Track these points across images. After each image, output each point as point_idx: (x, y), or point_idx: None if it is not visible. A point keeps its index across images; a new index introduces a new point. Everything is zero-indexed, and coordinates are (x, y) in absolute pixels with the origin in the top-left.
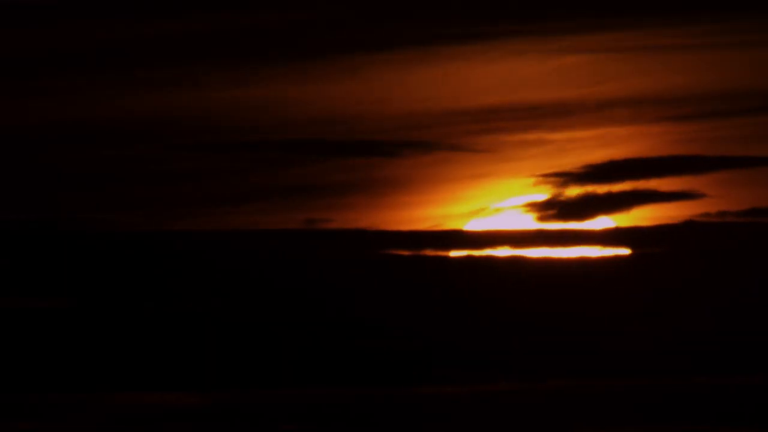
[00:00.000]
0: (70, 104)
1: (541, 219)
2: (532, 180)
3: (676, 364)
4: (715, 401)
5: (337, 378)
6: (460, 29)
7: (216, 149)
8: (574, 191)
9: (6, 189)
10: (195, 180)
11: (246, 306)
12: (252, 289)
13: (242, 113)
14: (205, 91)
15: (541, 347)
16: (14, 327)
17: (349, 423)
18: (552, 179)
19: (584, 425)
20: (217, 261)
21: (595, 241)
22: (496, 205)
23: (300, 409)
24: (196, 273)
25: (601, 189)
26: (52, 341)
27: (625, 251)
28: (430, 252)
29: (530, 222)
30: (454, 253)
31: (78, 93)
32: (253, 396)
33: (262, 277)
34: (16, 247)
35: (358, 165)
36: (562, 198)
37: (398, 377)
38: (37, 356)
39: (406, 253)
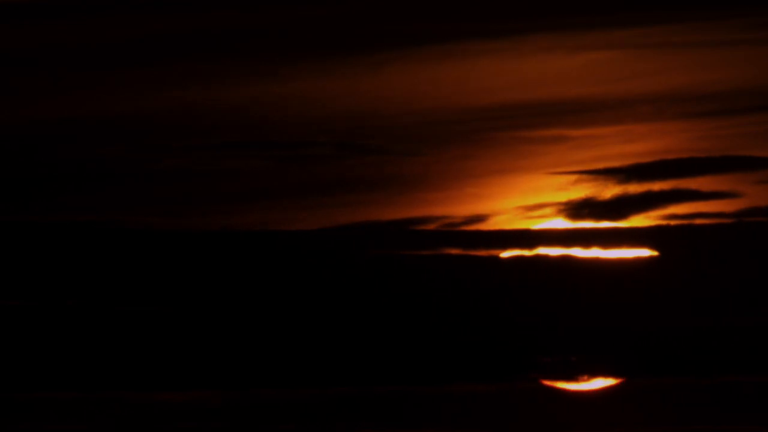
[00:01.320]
0: (91, 100)
1: (581, 217)
2: (568, 177)
3: (714, 363)
4: (745, 401)
5: (348, 376)
6: (487, 25)
7: (236, 147)
8: (613, 189)
9: (21, 188)
10: (221, 178)
11: (288, 305)
12: (295, 289)
13: (261, 111)
14: (225, 88)
15: (581, 347)
16: (17, 326)
17: (351, 422)
18: (588, 177)
19: (609, 425)
20: (255, 260)
21: (641, 240)
22: (527, 202)
23: (302, 409)
24: (220, 272)
25: (640, 187)
26: (54, 340)
27: (672, 250)
28: (482, 252)
29: (567, 220)
30: (505, 254)
31: (96, 89)
32: (253, 396)
33: (308, 277)
34: (32, 247)
35: (378, 162)
36: (601, 196)
37: (428, 375)
38: (39, 356)
39: (456, 251)
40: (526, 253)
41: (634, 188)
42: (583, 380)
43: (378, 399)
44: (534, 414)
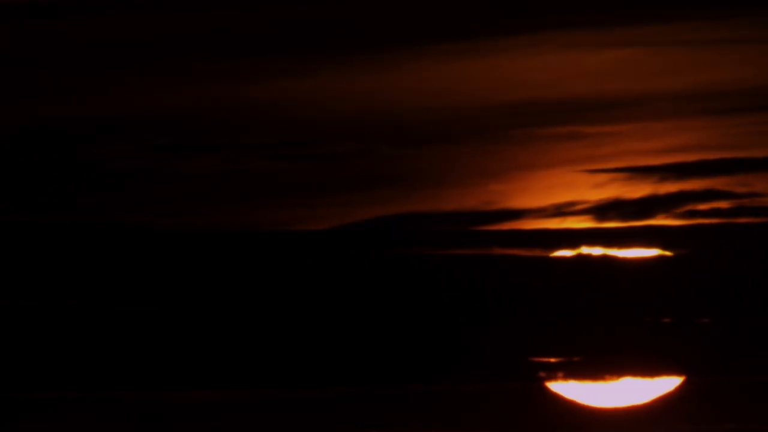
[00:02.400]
0: (96, 100)
1: (613, 216)
2: (599, 175)
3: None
4: None
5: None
6: (505, 22)
7: (256, 147)
8: (645, 188)
9: (42, 188)
10: (239, 178)
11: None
12: (311, 289)
13: (279, 110)
14: (241, 87)
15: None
16: (17, 326)
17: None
18: (618, 175)
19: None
20: (272, 260)
21: (683, 239)
22: (555, 200)
23: (304, 409)
24: (229, 272)
25: (672, 186)
26: (54, 340)
27: (714, 248)
28: (530, 251)
29: (595, 220)
30: (556, 253)
31: (101, 88)
32: (254, 396)
33: (330, 276)
34: (32, 247)
35: (397, 158)
36: (634, 194)
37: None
38: (39, 356)
39: (505, 251)
40: (569, 252)
41: (666, 187)
42: (612, 379)
43: (388, 398)
44: (549, 414)
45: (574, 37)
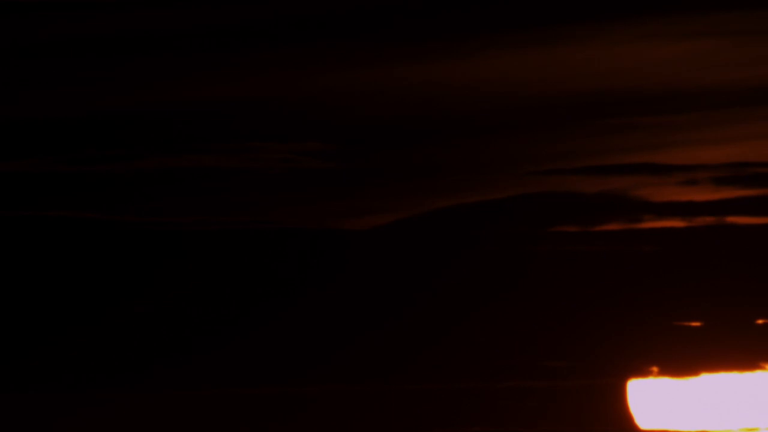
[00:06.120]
0: (101, 96)
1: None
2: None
3: None
4: None
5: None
6: (585, 9)
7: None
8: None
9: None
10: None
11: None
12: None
13: (350, 97)
14: (312, 74)
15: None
16: (17, 326)
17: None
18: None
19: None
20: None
21: None
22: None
23: (311, 408)
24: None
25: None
26: (54, 340)
27: None
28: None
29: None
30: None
31: (105, 83)
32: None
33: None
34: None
35: (470, 145)
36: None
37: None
38: (39, 355)
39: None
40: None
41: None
42: (696, 375)
43: (433, 395)
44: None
45: (655, 26)
